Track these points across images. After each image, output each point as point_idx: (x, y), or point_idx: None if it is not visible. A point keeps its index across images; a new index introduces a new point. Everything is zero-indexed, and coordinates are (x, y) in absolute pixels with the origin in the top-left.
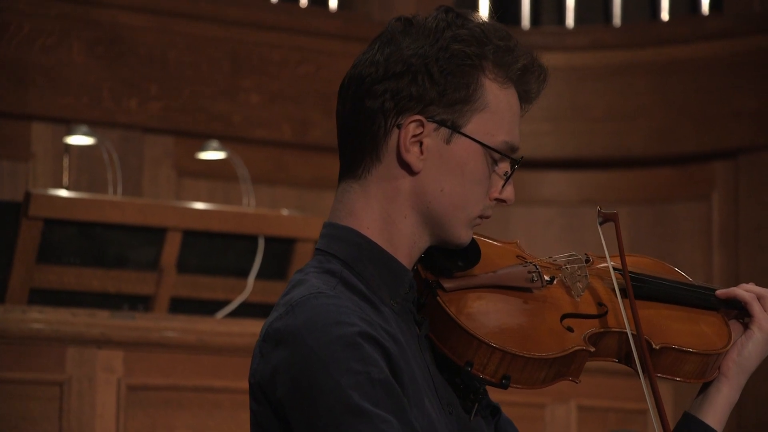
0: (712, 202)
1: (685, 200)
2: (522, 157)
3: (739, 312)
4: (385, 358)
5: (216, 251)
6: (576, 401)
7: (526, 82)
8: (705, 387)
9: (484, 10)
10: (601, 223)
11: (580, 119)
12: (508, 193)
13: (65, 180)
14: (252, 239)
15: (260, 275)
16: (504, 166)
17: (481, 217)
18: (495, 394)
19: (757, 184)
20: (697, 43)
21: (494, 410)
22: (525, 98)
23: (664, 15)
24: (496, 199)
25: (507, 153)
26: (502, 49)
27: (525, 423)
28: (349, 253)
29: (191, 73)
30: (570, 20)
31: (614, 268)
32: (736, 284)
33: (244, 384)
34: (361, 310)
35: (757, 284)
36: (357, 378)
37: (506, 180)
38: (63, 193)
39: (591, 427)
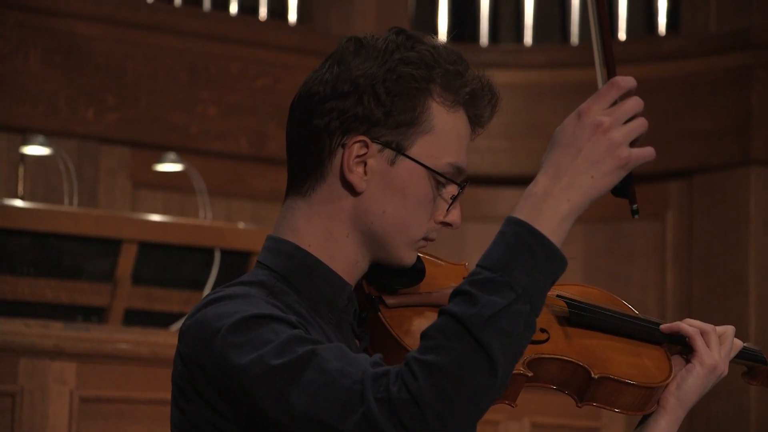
0: (666, 221)
1: (639, 219)
2: (467, 181)
3: (683, 347)
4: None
5: (171, 263)
6: (530, 418)
7: (476, 106)
8: (645, 418)
9: (442, 27)
10: None
11: (537, 136)
12: (454, 216)
13: (20, 190)
14: (208, 252)
15: (215, 288)
16: (450, 190)
17: (425, 239)
18: None
19: (711, 204)
20: (653, 64)
21: None
22: (476, 122)
23: (621, 35)
24: (442, 223)
25: (451, 176)
26: (451, 73)
27: None
28: (287, 267)
29: (149, 84)
30: (528, 38)
31: (558, 296)
32: (688, 304)
33: None
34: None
35: (708, 306)
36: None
37: (451, 203)
38: (18, 203)
39: None
